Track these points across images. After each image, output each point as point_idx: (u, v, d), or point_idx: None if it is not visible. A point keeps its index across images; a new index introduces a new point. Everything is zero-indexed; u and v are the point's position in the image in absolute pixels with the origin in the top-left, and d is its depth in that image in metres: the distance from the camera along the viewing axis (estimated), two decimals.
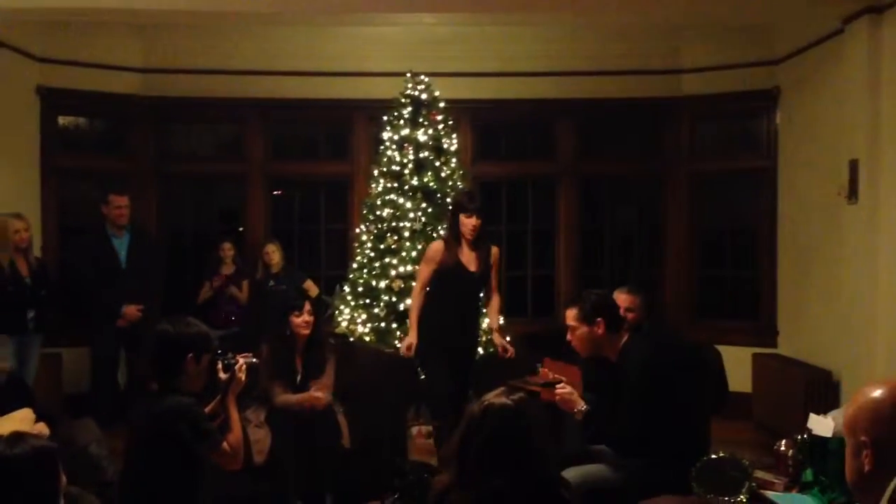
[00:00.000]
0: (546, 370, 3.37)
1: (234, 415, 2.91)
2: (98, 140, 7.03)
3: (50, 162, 6.41)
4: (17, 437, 1.69)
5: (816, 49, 5.73)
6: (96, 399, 5.58)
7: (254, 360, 3.01)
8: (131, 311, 5.57)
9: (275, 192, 7.20)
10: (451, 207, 5.05)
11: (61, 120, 6.63)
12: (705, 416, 3.71)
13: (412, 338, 4.77)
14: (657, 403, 3.04)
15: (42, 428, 3.61)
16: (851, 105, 5.02)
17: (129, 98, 6.69)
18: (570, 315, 3.29)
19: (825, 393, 5.23)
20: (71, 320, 5.93)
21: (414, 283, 5.17)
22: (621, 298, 4.57)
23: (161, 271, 6.19)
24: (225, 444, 2.80)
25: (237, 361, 2.92)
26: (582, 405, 3.14)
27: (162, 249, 6.54)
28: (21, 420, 3.41)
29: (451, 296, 4.81)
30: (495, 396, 1.95)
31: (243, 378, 2.93)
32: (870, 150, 4.83)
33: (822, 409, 3.30)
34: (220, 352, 2.95)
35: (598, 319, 3.23)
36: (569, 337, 3.34)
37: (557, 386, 3.19)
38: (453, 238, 4.81)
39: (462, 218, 4.77)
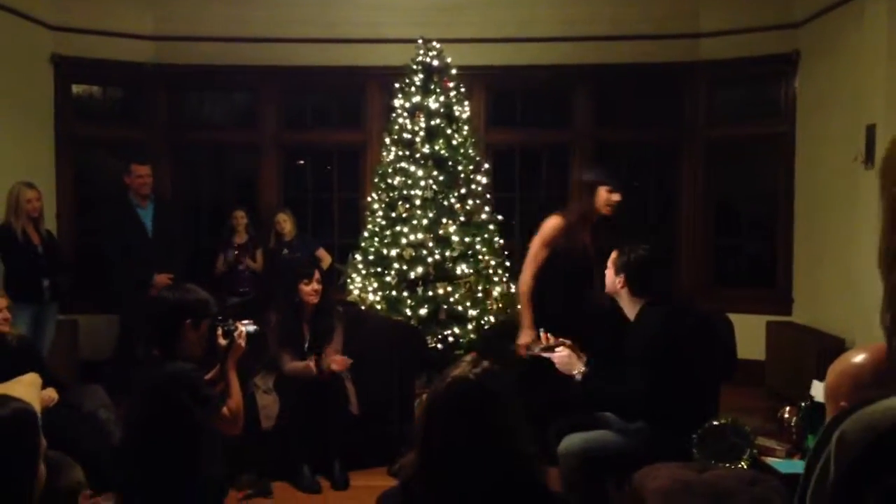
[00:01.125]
0: (547, 334, 3.37)
1: (234, 381, 2.92)
2: (112, 108, 7.06)
3: (64, 131, 6.46)
4: (1, 399, 1.70)
5: (836, 12, 5.59)
6: (120, 368, 5.63)
7: (254, 326, 3.01)
8: (162, 279, 5.58)
9: (299, 162, 7.20)
10: (586, 180, 4.56)
11: (75, 88, 6.66)
12: (713, 384, 3.68)
13: (528, 335, 4.34)
14: (664, 368, 3.02)
15: (51, 393, 3.69)
16: (870, 69, 4.91)
17: (142, 66, 6.69)
18: (613, 256, 3.34)
19: None
20: (88, 289, 5.99)
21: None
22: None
23: (186, 240, 6.22)
24: (225, 410, 2.83)
25: (236, 328, 2.93)
26: (581, 367, 3.13)
27: (185, 218, 6.57)
28: (28, 384, 3.47)
29: (571, 281, 4.38)
30: (459, 370, 1.89)
31: (243, 344, 2.94)
32: (887, 115, 4.73)
33: None
34: (220, 318, 2.96)
35: (622, 275, 3.24)
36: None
37: (556, 350, 3.19)
38: (583, 215, 4.36)
39: (602, 192, 4.32)
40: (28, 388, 3.30)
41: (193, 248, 6.93)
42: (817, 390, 2.97)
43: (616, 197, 4.32)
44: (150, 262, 5.67)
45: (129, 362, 5.47)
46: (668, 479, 2.88)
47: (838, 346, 5.27)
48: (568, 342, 3.24)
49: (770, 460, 2.89)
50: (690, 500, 2.73)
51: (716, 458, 2.91)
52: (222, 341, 2.96)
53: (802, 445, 2.94)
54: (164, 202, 6.10)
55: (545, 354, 3.22)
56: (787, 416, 3.08)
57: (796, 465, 2.85)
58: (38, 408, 2.05)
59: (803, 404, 3.02)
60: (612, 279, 3.32)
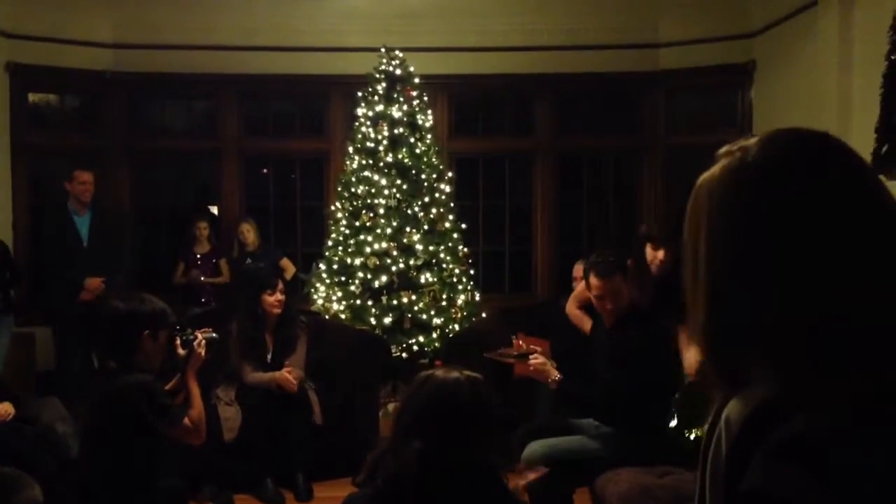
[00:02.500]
0: (519, 342, 3.39)
1: (195, 390, 2.89)
2: (69, 117, 6.95)
3: (20, 140, 6.33)
4: None
5: (790, 22, 5.71)
6: (62, 377, 5.52)
7: (213, 335, 2.98)
8: (94, 282, 5.47)
9: (263, 171, 7.15)
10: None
11: (31, 97, 6.54)
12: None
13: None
14: (645, 373, 3.05)
15: (6, 407, 3.61)
16: (823, 79, 5.02)
17: (101, 74, 6.60)
18: (581, 266, 3.31)
19: None
20: (40, 299, 5.86)
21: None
22: (579, 269, 4.65)
23: (128, 249, 6.11)
24: (186, 420, 2.79)
25: (196, 337, 2.90)
26: (556, 375, 3.16)
27: (131, 227, 6.46)
28: None
29: None
30: (444, 371, 1.95)
31: (203, 353, 2.90)
32: (840, 124, 4.83)
33: None
34: (178, 327, 2.92)
35: (618, 272, 3.27)
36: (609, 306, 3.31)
37: (531, 357, 3.21)
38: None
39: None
40: None
41: (152, 257, 6.85)
42: None
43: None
44: (84, 269, 5.52)
45: (74, 374, 5.43)
46: (628, 483, 2.92)
47: None
48: (539, 349, 3.27)
49: None
50: None
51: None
52: (181, 351, 2.93)
53: None
54: (104, 210, 5.94)
55: (517, 362, 3.24)
56: None
57: None
58: None
59: None
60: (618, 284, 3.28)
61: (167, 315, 2.88)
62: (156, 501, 2.76)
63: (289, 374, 4.23)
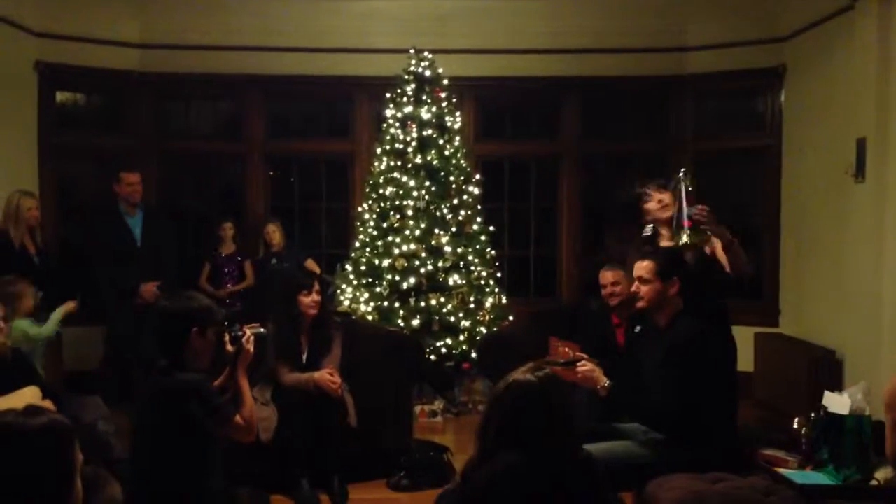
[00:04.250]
0: (566, 349, 3.35)
1: (245, 387, 2.85)
2: (96, 117, 6.94)
3: (48, 139, 6.34)
4: (34, 409, 1.64)
5: (824, 26, 5.68)
6: (111, 377, 5.52)
7: (262, 329, 2.94)
8: (149, 289, 5.49)
9: (270, 173, 7.13)
10: None
11: (59, 96, 6.54)
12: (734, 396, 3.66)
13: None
14: (698, 379, 3.02)
15: (49, 405, 3.58)
16: (860, 83, 4.98)
17: (128, 74, 6.60)
18: (646, 268, 3.26)
19: (829, 372, 5.23)
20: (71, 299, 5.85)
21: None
22: (607, 276, 4.63)
23: (175, 249, 6.14)
24: (238, 418, 2.76)
25: (244, 333, 2.87)
26: (605, 381, 3.12)
27: (173, 226, 6.48)
28: (27, 397, 3.37)
29: None
30: (521, 373, 1.94)
31: (251, 349, 2.87)
32: (878, 128, 4.79)
33: (826, 388, 3.30)
34: (226, 324, 2.88)
35: (675, 278, 3.22)
36: (633, 289, 3.32)
37: (578, 364, 3.17)
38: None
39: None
40: (28, 401, 3.20)
41: (179, 257, 6.84)
42: (829, 401, 2.99)
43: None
44: (138, 271, 5.57)
45: (121, 372, 5.43)
46: (681, 490, 2.88)
47: (828, 357, 5.34)
48: (586, 356, 3.23)
49: (784, 471, 2.90)
50: None
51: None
52: (230, 347, 2.89)
53: (815, 456, 2.95)
54: (153, 210, 5.98)
55: (564, 370, 3.20)
56: (796, 426, 3.10)
57: (811, 476, 2.86)
58: None
59: (813, 416, 3.03)
60: (659, 287, 3.26)
61: (214, 312, 2.86)
62: (204, 502, 2.73)
63: (330, 377, 4.20)
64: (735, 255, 3.47)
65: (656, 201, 3.81)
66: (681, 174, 3.42)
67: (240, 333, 2.88)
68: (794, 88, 6.22)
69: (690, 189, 3.36)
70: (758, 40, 6.38)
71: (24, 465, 1.53)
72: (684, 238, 3.26)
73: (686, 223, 3.27)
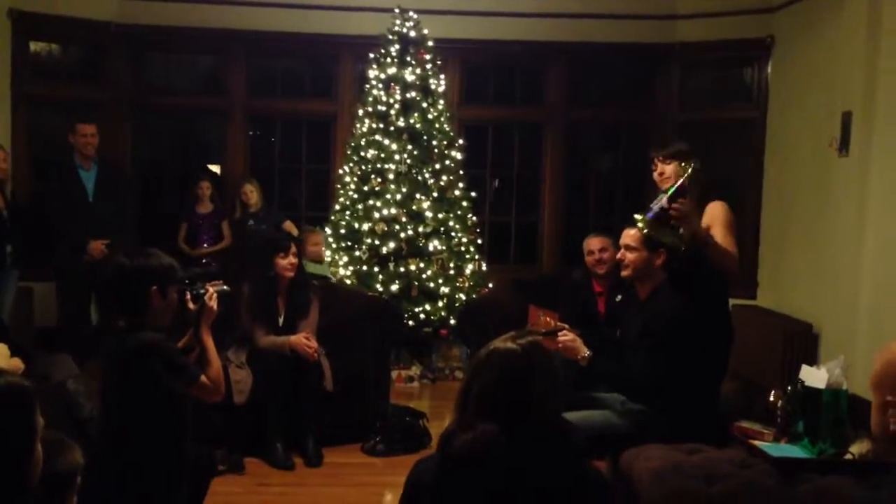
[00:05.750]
0: (546, 318, 3.32)
1: (210, 345, 2.77)
2: (72, 68, 6.76)
3: (20, 89, 6.16)
4: None
5: None
6: (66, 335, 5.41)
7: (225, 287, 2.85)
8: (96, 246, 5.32)
9: (251, 133, 6.99)
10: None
11: (33, 46, 6.34)
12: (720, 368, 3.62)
13: None
14: (681, 350, 3.00)
15: (17, 363, 3.52)
16: (847, 56, 4.94)
17: (106, 25, 6.42)
18: (634, 236, 3.22)
19: (805, 345, 5.26)
20: (40, 254, 5.74)
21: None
22: (593, 242, 4.61)
23: (131, 206, 5.97)
24: (204, 378, 2.70)
25: (206, 290, 2.79)
26: (586, 351, 3.09)
27: (134, 183, 6.32)
28: None
29: None
30: (502, 341, 1.90)
31: (215, 307, 2.78)
32: (864, 102, 4.76)
33: (802, 362, 3.30)
34: (187, 281, 2.80)
35: (661, 250, 3.18)
36: (619, 255, 3.28)
37: (559, 333, 3.14)
38: None
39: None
40: None
41: (150, 215, 6.72)
42: (806, 375, 2.99)
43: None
44: (89, 226, 5.36)
45: (75, 332, 5.31)
46: (657, 459, 2.88)
47: (805, 330, 5.36)
48: (567, 326, 3.21)
49: (759, 444, 2.90)
50: (682, 482, 2.73)
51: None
52: (192, 306, 2.81)
53: (791, 430, 2.96)
54: (110, 164, 5.78)
55: (545, 339, 3.16)
56: (772, 399, 3.10)
57: (786, 449, 2.87)
58: None
59: (790, 389, 3.03)
60: (645, 257, 3.21)
61: (175, 270, 2.75)
62: (181, 466, 2.69)
63: (306, 340, 4.16)
64: (716, 255, 3.34)
65: (658, 172, 3.71)
66: (692, 164, 3.30)
67: (202, 291, 2.79)
68: (781, 60, 6.17)
69: (687, 183, 3.24)
70: (747, 10, 6.31)
71: None
72: (639, 225, 3.19)
73: (652, 213, 3.18)
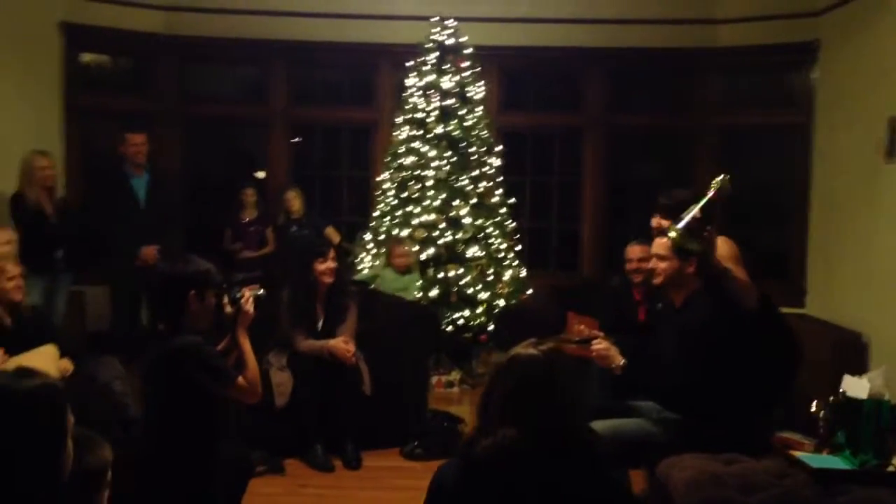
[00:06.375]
0: (581, 327, 3.30)
1: (247, 348, 2.83)
2: (121, 79, 6.94)
3: (72, 100, 6.35)
4: (24, 371, 1.63)
5: (860, 1, 5.51)
6: (117, 338, 5.56)
7: (261, 292, 2.92)
8: (149, 252, 5.46)
9: (293, 140, 7.10)
10: None
11: (84, 57, 6.54)
12: (766, 377, 3.54)
13: None
14: (715, 359, 2.97)
15: (66, 364, 3.63)
16: (894, 60, 4.84)
17: (153, 37, 6.59)
18: (664, 245, 3.18)
19: (853, 355, 5.14)
20: (92, 259, 5.90)
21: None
22: (634, 250, 4.56)
23: (181, 212, 6.12)
24: (240, 380, 2.76)
25: (243, 294, 2.85)
26: (620, 360, 3.07)
27: (182, 191, 6.46)
28: (46, 355, 3.42)
29: None
30: (523, 347, 1.92)
31: (251, 310, 2.85)
32: None
33: (850, 372, 3.22)
34: (224, 286, 2.87)
35: (693, 259, 3.15)
36: (651, 265, 3.25)
37: (593, 342, 3.12)
38: None
39: None
40: (46, 360, 3.25)
41: (196, 222, 6.86)
42: (848, 385, 2.94)
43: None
44: (140, 233, 5.48)
45: (126, 335, 5.45)
46: (694, 469, 2.85)
47: (853, 340, 5.25)
48: (602, 334, 3.19)
49: (799, 455, 2.86)
50: (718, 492, 2.70)
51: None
52: (229, 310, 2.88)
53: (832, 441, 2.90)
54: (159, 173, 5.91)
55: (578, 347, 3.16)
56: (814, 409, 3.04)
57: (826, 460, 2.81)
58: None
59: (832, 399, 2.98)
60: (676, 266, 3.16)
61: (213, 275, 2.83)
62: (221, 467, 2.75)
63: (344, 345, 4.20)
64: (734, 288, 3.21)
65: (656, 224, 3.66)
66: (720, 178, 3.25)
67: (238, 296, 2.86)
68: (828, 64, 6.06)
69: (717, 196, 3.18)
70: (791, 14, 6.22)
71: (13, 427, 1.52)
72: (670, 234, 3.15)
73: (683, 224, 3.13)
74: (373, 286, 5.54)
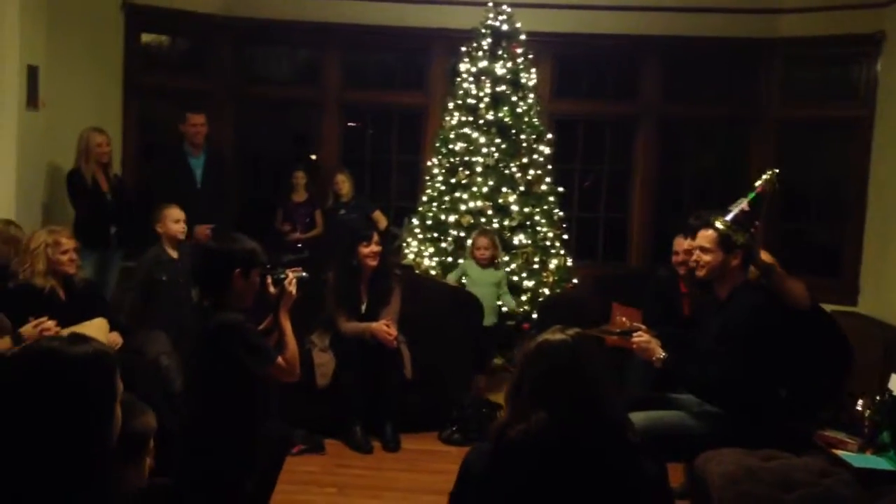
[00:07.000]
0: (623, 318, 3.29)
1: (288, 328, 2.88)
2: (179, 59, 7.08)
3: (132, 79, 6.49)
4: (78, 337, 1.69)
5: None
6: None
7: (304, 274, 2.96)
8: (202, 230, 5.53)
9: (349, 124, 7.15)
10: None
11: (144, 37, 6.68)
12: (812, 373, 3.49)
13: None
14: (757, 354, 2.92)
15: (115, 338, 3.73)
16: None
17: (211, 18, 6.69)
18: (709, 237, 3.16)
19: None
20: (147, 236, 6.03)
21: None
22: (681, 243, 4.50)
23: (234, 193, 6.22)
24: (280, 360, 2.80)
25: (286, 275, 2.89)
26: (661, 353, 3.05)
27: (235, 171, 6.56)
28: (96, 328, 3.52)
29: None
30: (551, 333, 1.92)
31: (294, 292, 2.88)
32: None
33: None
34: (268, 266, 2.92)
35: (738, 251, 3.12)
36: (695, 258, 3.22)
37: (634, 334, 3.11)
38: None
39: None
40: (96, 332, 3.33)
41: (248, 202, 6.96)
42: (894, 384, 2.86)
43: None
44: (196, 212, 5.46)
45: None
46: (732, 465, 2.82)
47: None
48: (644, 327, 3.17)
49: (842, 453, 2.80)
50: (757, 488, 2.66)
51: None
52: (272, 290, 2.92)
53: (876, 440, 2.84)
54: (216, 153, 6.02)
55: (619, 339, 3.14)
56: (859, 408, 2.98)
57: (870, 460, 2.76)
58: None
59: (878, 398, 2.91)
60: (721, 258, 3.13)
61: (258, 254, 2.87)
62: (259, 442, 2.80)
63: (386, 328, 4.24)
64: (783, 286, 3.17)
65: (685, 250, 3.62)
66: (770, 173, 3.20)
67: (282, 276, 2.90)
68: (892, 57, 5.86)
69: (767, 190, 3.13)
70: (856, 4, 6.03)
71: (66, 390, 1.58)
72: (717, 225, 3.11)
73: (731, 216, 3.10)
74: (461, 281, 5.42)
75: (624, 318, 3.31)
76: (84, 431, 1.61)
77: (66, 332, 3.37)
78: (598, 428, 1.81)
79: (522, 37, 6.04)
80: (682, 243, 4.56)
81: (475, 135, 5.91)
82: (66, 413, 1.57)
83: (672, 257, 4.63)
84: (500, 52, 5.98)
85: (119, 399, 1.67)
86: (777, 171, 3.18)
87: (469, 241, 5.61)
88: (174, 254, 4.60)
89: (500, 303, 5.69)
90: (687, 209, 7.02)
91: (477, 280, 5.38)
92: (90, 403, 1.60)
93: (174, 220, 4.63)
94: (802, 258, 6.70)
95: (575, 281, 6.02)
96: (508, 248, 5.80)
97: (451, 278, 5.50)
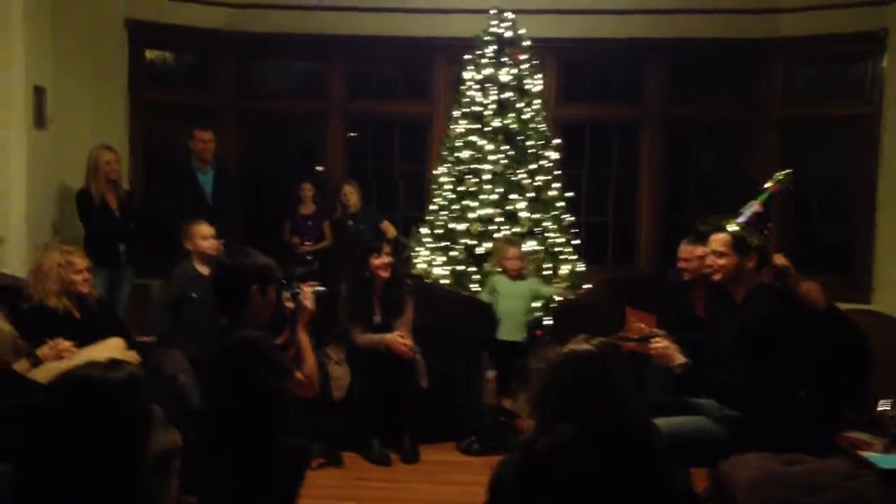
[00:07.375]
0: (641, 324, 3.27)
1: (306, 343, 2.87)
2: (184, 75, 7.09)
3: (136, 96, 6.50)
4: (115, 363, 1.69)
5: None
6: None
7: (320, 288, 2.95)
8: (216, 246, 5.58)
9: (350, 134, 7.15)
10: None
11: (148, 54, 6.69)
12: (830, 377, 3.47)
13: None
14: (775, 357, 2.91)
15: (133, 356, 3.72)
16: None
17: (214, 33, 6.71)
18: (722, 241, 3.15)
19: None
20: (158, 253, 6.04)
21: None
22: (682, 249, 4.46)
23: (241, 208, 6.23)
24: (298, 374, 2.79)
25: (302, 290, 2.89)
26: (680, 359, 3.03)
27: (241, 185, 6.57)
28: (113, 348, 3.51)
29: None
30: (576, 343, 1.91)
31: (311, 306, 2.88)
32: None
33: None
34: (284, 282, 2.91)
35: (753, 253, 3.11)
36: (709, 262, 3.22)
37: (653, 340, 3.09)
38: None
39: None
40: (113, 352, 3.33)
41: (255, 215, 6.96)
42: None
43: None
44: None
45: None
46: (756, 469, 2.80)
47: None
48: (662, 332, 3.15)
49: (867, 455, 2.78)
50: (782, 493, 2.65)
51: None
52: (290, 304, 2.91)
53: None
54: (225, 169, 6.06)
55: (638, 346, 3.13)
56: (884, 408, 2.96)
57: (894, 461, 2.74)
58: None
59: None
60: (736, 261, 3.12)
61: (273, 269, 2.86)
62: (278, 458, 2.79)
63: (401, 338, 4.24)
64: (798, 287, 3.18)
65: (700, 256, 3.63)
66: (784, 172, 3.20)
67: (298, 291, 2.89)
68: None
69: (780, 190, 3.14)
70: (858, 2, 6.03)
71: (108, 417, 1.58)
72: (731, 227, 3.10)
73: (744, 217, 3.11)
74: (488, 298, 5.26)
75: (642, 324, 3.28)
76: (123, 455, 1.61)
77: (83, 351, 3.40)
78: (626, 437, 1.81)
79: (526, 43, 6.04)
80: (687, 250, 4.52)
81: (482, 142, 5.90)
82: (106, 439, 1.57)
83: (677, 263, 4.59)
84: (503, 59, 5.98)
85: (154, 422, 1.67)
86: (791, 170, 3.17)
87: (479, 250, 5.59)
88: (204, 270, 4.57)
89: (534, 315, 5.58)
90: (692, 211, 7.03)
91: (507, 293, 5.20)
92: (128, 428, 1.61)
93: (203, 236, 4.62)
94: (809, 257, 6.69)
95: (587, 286, 6.00)
96: None
97: (482, 297, 5.43)
